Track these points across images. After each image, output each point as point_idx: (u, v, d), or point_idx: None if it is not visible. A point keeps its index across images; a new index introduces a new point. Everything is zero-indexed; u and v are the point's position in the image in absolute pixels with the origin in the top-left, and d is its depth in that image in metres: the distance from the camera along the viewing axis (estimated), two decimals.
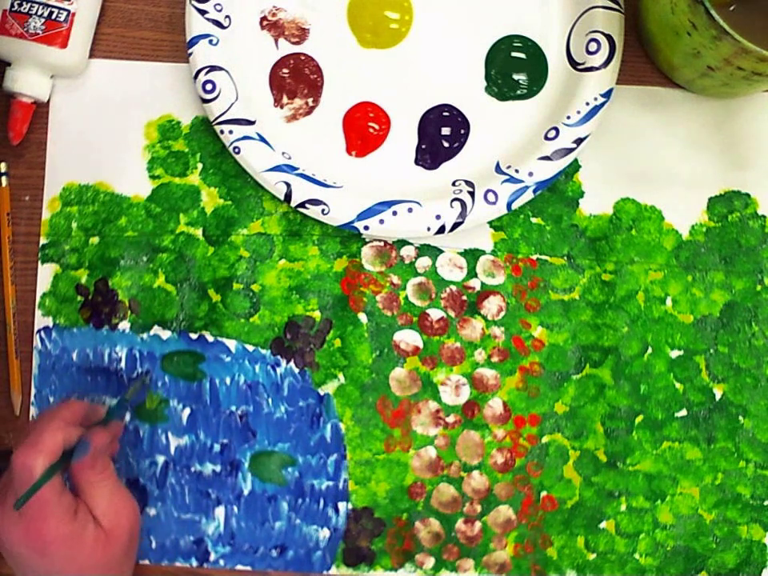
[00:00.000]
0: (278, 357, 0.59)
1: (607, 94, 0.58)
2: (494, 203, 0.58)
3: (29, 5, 0.57)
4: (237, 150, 0.58)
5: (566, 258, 0.60)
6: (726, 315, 0.60)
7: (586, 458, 0.59)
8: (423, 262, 0.60)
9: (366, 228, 0.58)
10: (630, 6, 0.59)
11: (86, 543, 0.48)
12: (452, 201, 0.58)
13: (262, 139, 0.58)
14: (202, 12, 0.58)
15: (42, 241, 0.59)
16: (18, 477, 0.47)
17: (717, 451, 0.59)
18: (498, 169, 0.59)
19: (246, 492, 0.58)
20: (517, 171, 0.58)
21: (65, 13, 0.57)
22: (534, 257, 0.60)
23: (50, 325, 0.59)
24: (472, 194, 0.58)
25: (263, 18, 0.60)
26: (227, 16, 0.59)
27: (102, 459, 0.50)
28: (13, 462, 0.48)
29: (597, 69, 0.59)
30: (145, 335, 0.59)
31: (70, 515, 0.48)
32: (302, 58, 0.60)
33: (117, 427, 0.53)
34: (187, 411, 0.59)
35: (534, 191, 0.58)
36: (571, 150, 0.58)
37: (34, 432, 0.49)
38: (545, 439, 0.59)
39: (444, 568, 0.59)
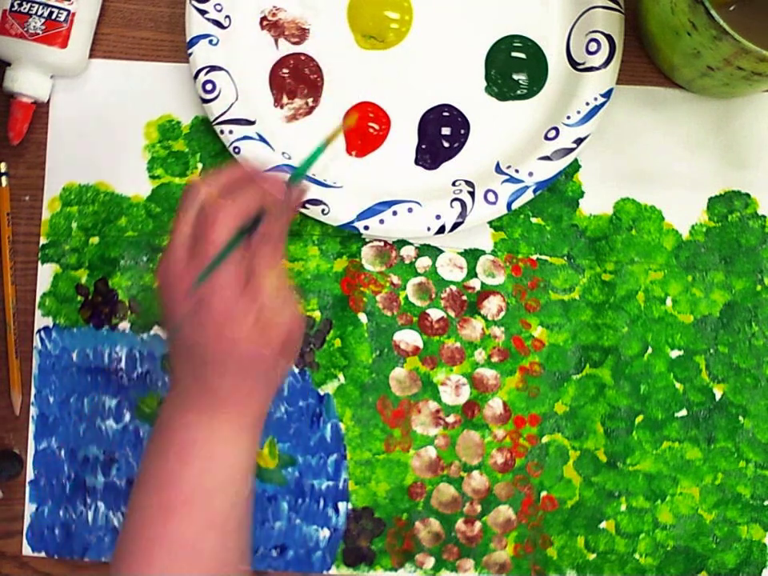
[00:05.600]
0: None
1: (607, 94, 0.58)
2: (493, 203, 0.58)
3: (29, 5, 0.57)
4: (237, 150, 0.58)
5: (566, 258, 0.60)
6: (726, 315, 0.60)
7: (585, 458, 0.59)
8: (423, 262, 0.60)
9: (366, 228, 0.58)
10: (630, 5, 0.59)
11: (247, 316, 0.45)
12: (452, 201, 0.58)
13: (262, 139, 0.58)
14: (202, 12, 0.58)
15: (42, 241, 0.59)
16: (210, 236, 0.45)
17: (717, 451, 0.59)
18: (497, 169, 0.59)
19: None
20: (517, 171, 0.58)
21: (65, 13, 0.57)
22: (534, 257, 0.60)
23: (50, 325, 0.59)
24: (472, 194, 0.58)
25: (263, 18, 0.60)
26: (227, 16, 0.59)
27: (275, 242, 0.47)
28: (206, 217, 0.45)
29: (597, 69, 0.59)
30: (145, 335, 0.59)
31: (240, 282, 0.45)
32: (302, 58, 0.60)
33: (300, 193, 0.50)
34: None
35: (534, 191, 0.58)
36: (571, 150, 0.58)
37: (239, 194, 0.46)
38: (545, 439, 0.59)
39: (444, 568, 0.59)
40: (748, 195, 0.61)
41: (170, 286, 0.46)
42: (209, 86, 0.58)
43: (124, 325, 0.59)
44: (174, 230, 0.46)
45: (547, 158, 0.58)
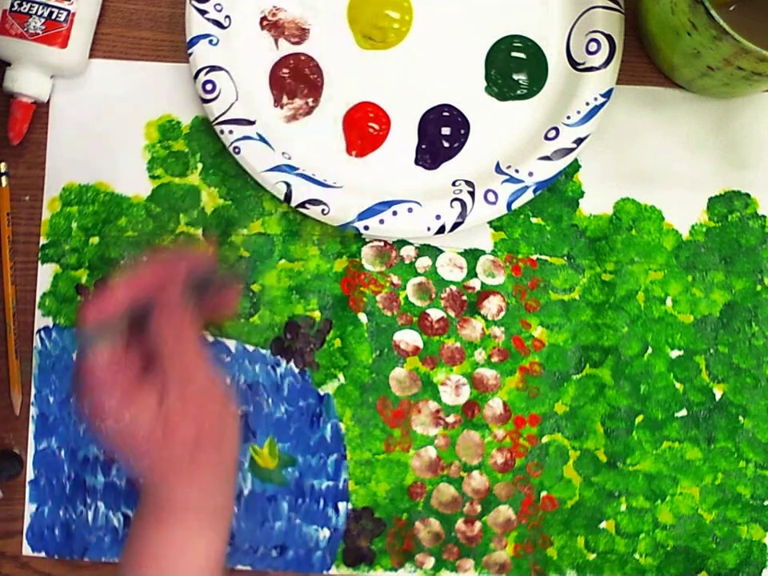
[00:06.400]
0: (278, 357, 0.59)
1: (607, 94, 0.58)
2: (493, 203, 0.58)
3: (29, 5, 0.57)
4: (237, 150, 0.58)
5: (566, 258, 0.60)
6: (726, 315, 0.60)
7: (585, 458, 0.59)
8: (423, 262, 0.60)
9: (366, 228, 0.58)
10: (630, 5, 0.59)
11: (143, 419, 0.44)
12: (452, 201, 0.58)
13: (262, 139, 0.58)
14: (202, 12, 0.58)
15: (42, 241, 0.59)
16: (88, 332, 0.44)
17: (717, 451, 0.59)
18: (497, 169, 0.59)
19: (245, 492, 0.58)
20: (517, 171, 0.58)
21: (65, 13, 0.57)
22: (534, 257, 0.60)
23: (50, 325, 0.59)
24: (472, 193, 0.58)
25: (263, 18, 0.60)
26: (227, 16, 0.59)
27: (178, 314, 0.45)
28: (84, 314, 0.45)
29: (597, 69, 0.59)
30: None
31: (132, 383, 0.44)
32: (302, 58, 0.60)
33: (234, 293, 0.50)
34: None
35: (534, 191, 0.58)
36: (571, 150, 0.58)
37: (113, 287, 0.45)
38: (545, 439, 0.59)
39: (444, 568, 0.59)
40: (748, 195, 0.61)
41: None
42: (209, 86, 0.58)
43: None
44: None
45: (547, 158, 0.58)
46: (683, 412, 0.59)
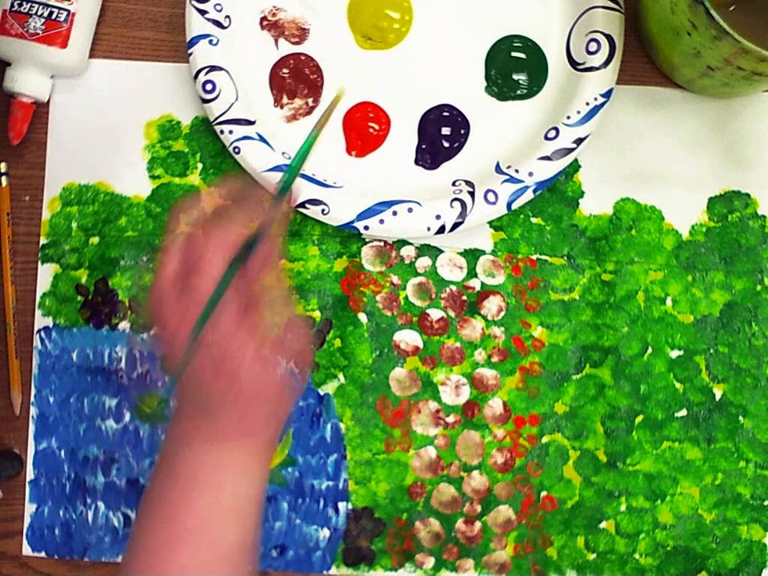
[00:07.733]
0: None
1: (607, 94, 0.58)
2: (493, 203, 0.58)
3: (29, 5, 0.57)
4: (237, 150, 0.58)
5: (566, 258, 0.60)
6: (726, 315, 0.60)
7: (585, 458, 0.59)
8: (423, 262, 0.60)
9: (366, 228, 0.58)
10: (630, 6, 0.59)
11: (246, 351, 0.43)
12: (452, 201, 0.58)
13: (262, 139, 0.58)
14: (202, 12, 0.58)
15: (42, 241, 0.59)
16: (201, 271, 0.42)
17: (717, 451, 0.59)
18: (498, 169, 0.59)
19: None
20: (517, 171, 0.58)
21: (65, 13, 0.57)
22: (534, 257, 0.60)
23: (50, 325, 0.59)
24: (472, 194, 0.58)
25: (263, 18, 0.60)
26: (227, 16, 0.59)
27: (271, 262, 0.44)
28: (195, 250, 0.42)
29: (597, 69, 0.59)
30: (145, 335, 0.59)
31: (238, 315, 0.43)
32: (302, 58, 0.60)
33: (292, 198, 0.47)
34: None
35: (534, 191, 0.58)
36: (571, 150, 0.58)
37: (227, 222, 0.43)
38: (545, 439, 0.59)
39: (444, 568, 0.59)
40: (748, 195, 0.61)
41: (162, 325, 0.43)
42: (209, 86, 0.58)
43: (124, 325, 0.59)
44: (161, 263, 0.43)
45: (547, 158, 0.58)
46: (683, 412, 0.59)
